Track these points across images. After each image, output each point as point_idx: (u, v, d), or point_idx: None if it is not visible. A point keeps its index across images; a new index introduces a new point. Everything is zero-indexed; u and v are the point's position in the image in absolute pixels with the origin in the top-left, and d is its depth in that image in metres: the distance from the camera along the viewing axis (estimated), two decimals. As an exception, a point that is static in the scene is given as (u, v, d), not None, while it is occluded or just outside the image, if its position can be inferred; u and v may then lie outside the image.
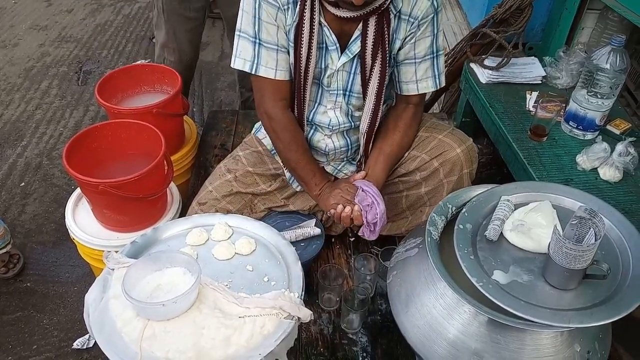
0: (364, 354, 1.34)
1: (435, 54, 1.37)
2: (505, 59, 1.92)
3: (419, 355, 1.15)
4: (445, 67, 2.29)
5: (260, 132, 1.63)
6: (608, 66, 1.51)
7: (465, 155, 1.44)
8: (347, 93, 1.40)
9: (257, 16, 1.28)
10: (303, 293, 1.19)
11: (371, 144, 1.48)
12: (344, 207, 1.37)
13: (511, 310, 0.98)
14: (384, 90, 1.37)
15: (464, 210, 1.20)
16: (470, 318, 1.08)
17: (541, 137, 1.65)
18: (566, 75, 1.88)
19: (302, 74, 1.35)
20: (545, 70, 1.94)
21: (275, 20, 1.29)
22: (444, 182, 1.46)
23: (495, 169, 2.11)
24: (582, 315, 0.98)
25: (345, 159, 1.57)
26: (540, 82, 1.92)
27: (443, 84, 1.43)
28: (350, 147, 1.51)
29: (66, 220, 1.64)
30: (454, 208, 1.24)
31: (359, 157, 1.54)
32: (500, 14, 1.92)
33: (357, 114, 1.45)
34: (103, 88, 1.86)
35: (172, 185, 1.71)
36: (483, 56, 1.99)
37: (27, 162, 2.60)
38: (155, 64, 2.07)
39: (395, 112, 1.49)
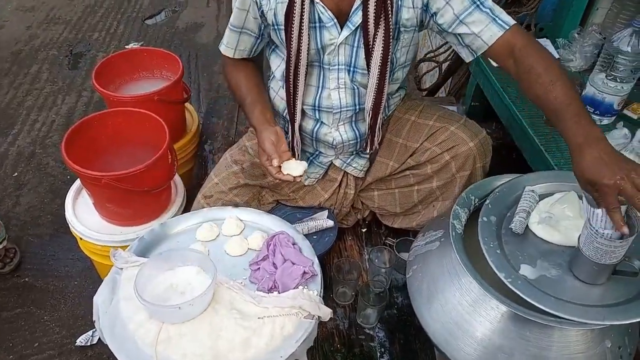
0: (382, 350, 1.30)
1: (478, 2, 1.17)
2: (517, 41, 1.86)
3: (440, 351, 1.12)
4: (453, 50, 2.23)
5: None
6: (629, 49, 1.46)
7: (478, 149, 1.38)
8: (351, 69, 1.32)
9: (234, 4, 1.30)
10: (322, 290, 1.15)
11: (379, 127, 1.40)
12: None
13: (544, 308, 0.95)
14: (388, 63, 1.28)
15: (487, 202, 1.16)
16: (498, 315, 1.04)
17: (557, 123, 1.60)
18: (580, 57, 1.82)
19: (294, 57, 1.27)
20: (558, 52, 1.88)
21: (248, 7, 1.28)
22: (456, 176, 1.42)
23: (505, 153, 2.06)
24: (616, 312, 0.95)
25: (354, 151, 1.51)
26: (552, 64, 1.86)
27: (510, 21, 1.17)
28: (359, 139, 1.45)
29: (66, 214, 1.57)
30: (476, 200, 1.20)
31: (369, 149, 1.48)
32: (512, -6, 1.86)
33: (364, 92, 1.36)
34: (100, 74, 1.78)
35: (176, 176, 1.65)
36: (493, 38, 1.93)
37: (19, 151, 2.51)
38: (154, 48, 1.98)
39: (518, 68, 1.17)
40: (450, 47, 2.30)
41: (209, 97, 2.76)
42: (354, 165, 1.52)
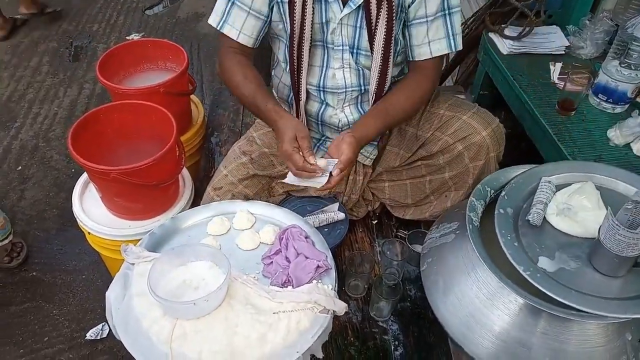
0: (396, 343, 1.30)
1: (448, 11, 1.25)
2: (528, 28, 1.82)
3: (456, 344, 1.11)
4: (462, 37, 2.20)
5: None
6: (644, 36, 1.44)
7: (492, 138, 1.36)
8: (355, 50, 1.30)
9: None
10: (336, 284, 1.14)
11: None
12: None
13: (564, 301, 0.94)
14: (391, 45, 1.26)
15: (503, 193, 1.15)
16: (516, 308, 1.03)
17: (569, 111, 1.58)
18: (591, 44, 1.79)
19: (298, 30, 1.25)
20: (568, 39, 1.86)
21: None
22: (470, 166, 1.39)
23: (515, 142, 2.04)
24: (638, 305, 0.94)
25: None
26: (563, 52, 1.83)
27: (460, 46, 1.30)
28: None
29: (74, 209, 1.55)
30: (492, 191, 1.18)
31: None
32: (522, -20, 1.82)
33: (368, 74, 1.34)
34: (104, 66, 1.75)
35: (184, 169, 1.63)
36: (502, 25, 1.90)
37: (22, 145, 2.48)
38: (157, 40, 1.95)
39: (405, 77, 1.38)
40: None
41: (213, 89, 2.73)
42: (361, 151, 1.49)
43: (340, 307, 1.08)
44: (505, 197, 1.13)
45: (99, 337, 1.67)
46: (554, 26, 1.94)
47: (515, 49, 1.84)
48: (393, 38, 1.25)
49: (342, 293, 1.38)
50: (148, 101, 1.58)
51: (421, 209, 1.52)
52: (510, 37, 1.87)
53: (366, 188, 1.56)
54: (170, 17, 3.55)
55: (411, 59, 1.33)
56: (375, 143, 1.49)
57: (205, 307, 1.03)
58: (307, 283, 1.12)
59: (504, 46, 1.86)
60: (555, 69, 1.77)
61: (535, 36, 1.87)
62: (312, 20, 1.24)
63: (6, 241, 1.85)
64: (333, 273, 1.15)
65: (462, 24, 2.19)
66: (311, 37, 1.27)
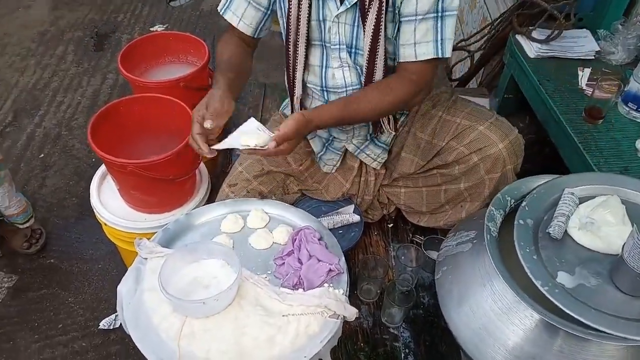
0: (407, 350, 1.28)
1: (441, 13, 1.17)
2: (557, 31, 1.77)
3: (468, 356, 1.08)
4: (488, 38, 2.15)
5: (287, 109, 1.53)
6: (680, 43, 1.38)
7: (509, 151, 1.32)
8: (352, 50, 1.28)
9: None
10: (348, 289, 1.13)
11: None
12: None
13: (582, 320, 0.91)
14: (378, 45, 1.22)
15: (524, 203, 1.11)
16: (532, 324, 1.00)
17: (597, 120, 1.53)
18: (622, 50, 1.73)
19: (294, 28, 1.24)
20: (598, 44, 1.80)
21: None
22: (485, 178, 1.36)
23: (538, 148, 1.99)
24: (661, 328, 0.90)
25: (368, 137, 1.46)
26: (593, 57, 1.78)
27: (448, 54, 1.21)
28: (369, 123, 1.40)
29: (91, 200, 1.57)
30: (512, 201, 1.15)
31: (387, 139, 1.45)
32: (553, -19, 1.77)
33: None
34: (126, 58, 1.76)
35: (201, 165, 1.63)
36: (530, 28, 1.85)
37: (45, 133, 2.52)
38: (179, 33, 1.95)
39: (389, 76, 1.30)
40: (483, 36, 2.22)
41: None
42: (367, 153, 1.47)
43: (351, 312, 1.07)
44: (526, 208, 1.10)
45: (111, 327, 1.68)
46: (584, 30, 1.88)
47: (542, 52, 1.79)
48: (381, 36, 1.21)
49: (353, 297, 1.36)
50: (168, 94, 1.58)
51: (436, 217, 1.50)
52: (538, 40, 1.81)
53: (382, 191, 1.54)
54: (195, 9, 3.56)
55: (397, 60, 1.27)
56: (384, 146, 1.47)
57: (214, 307, 1.02)
58: (318, 286, 1.11)
59: (531, 49, 1.81)
60: (584, 75, 1.71)
61: (564, 40, 1.82)
62: (308, 18, 1.23)
63: (27, 224, 1.88)
64: (345, 277, 1.14)
65: (488, 25, 2.17)
66: (308, 35, 1.26)
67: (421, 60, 1.20)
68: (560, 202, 1.10)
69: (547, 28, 1.83)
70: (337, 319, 1.05)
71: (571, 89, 1.67)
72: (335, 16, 1.22)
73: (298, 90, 1.36)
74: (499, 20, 2.07)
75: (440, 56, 1.20)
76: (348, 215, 1.44)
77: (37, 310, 1.77)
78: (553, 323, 0.94)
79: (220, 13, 1.35)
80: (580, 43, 1.82)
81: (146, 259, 1.16)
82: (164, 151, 1.38)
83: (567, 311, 0.91)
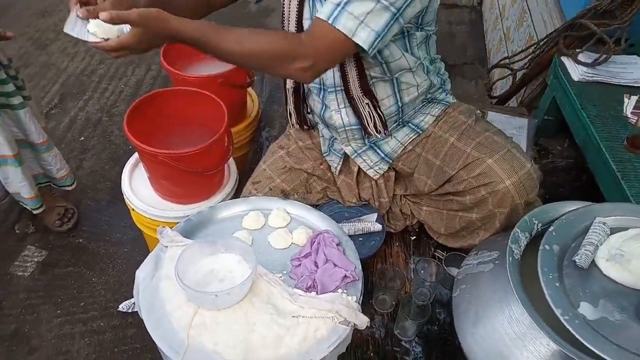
0: (417, 366, 1.25)
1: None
2: (604, 55, 1.71)
3: (479, 378, 1.05)
4: (532, 57, 2.10)
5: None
6: None
7: (517, 188, 1.26)
8: None
9: None
10: (361, 297, 1.11)
11: (369, 112, 1.32)
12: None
13: (602, 355, 0.87)
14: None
15: (551, 228, 1.07)
16: (548, 353, 0.96)
17: (639, 149, 1.47)
18: (673, 80, 1.66)
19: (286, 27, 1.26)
20: (650, 73, 1.73)
21: None
22: (496, 212, 1.31)
23: (574, 174, 1.93)
24: (686, 372, 0.85)
25: (365, 142, 1.43)
26: (641, 85, 1.71)
27: (339, 25, 1.05)
28: (361, 126, 1.37)
29: (122, 185, 1.61)
30: (539, 225, 1.11)
31: (390, 151, 1.43)
32: (606, 4, 1.71)
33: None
34: (168, 51, 1.80)
35: (231, 160, 1.65)
36: (577, 50, 1.80)
37: (87, 117, 2.61)
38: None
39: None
40: (528, 55, 2.17)
41: (272, 84, 2.76)
42: (364, 158, 1.45)
43: (362, 321, 1.06)
44: (553, 233, 1.06)
45: (129, 311, 1.71)
46: (635, 56, 1.82)
47: (588, 76, 1.73)
48: None
49: (368, 306, 1.35)
50: (205, 89, 1.61)
51: (453, 239, 1.46)
52: (584, 63, 1.76)
53: (405, 201, 1.52)
54: (243, 8, 3.62)
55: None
56: (383, 156, 1.44)
57: (226, 300, 1.03)
58: (332, 291, 1.10)
59: (576, 72, 1.75)
60: (630, 102, 1.65)
61: (612, 65, 1.76)
62: (297, 15, 1.24)
63: (72, 187, 1.95)
64: (360, 285, 1.12)
65: (534, 44, 2.12)
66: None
67: (321, 22, 1.07)
68: (590, 230, 1.06)
69: (595, 52, 1.77)
70: (347, 325, 1.04)
71: (615, 115, 1.61)
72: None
73: (320, 105, 1.38)
74: (545, 40, 2.02)
75: (329, 20, 1.05)
76: (370, 223, 1.42)
77: (62, 287, 1.83)
78: (570, 355, 0.90)
79: None
80: (630, 69, 1.76)
81: (167, 247, 1.18)
82: (196, 144, 1.40)
83: (587, 344, 0.88)
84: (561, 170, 1.92)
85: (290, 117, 1.52)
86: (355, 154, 1.45)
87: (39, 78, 2.83)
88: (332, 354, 1.02)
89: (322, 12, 1.07)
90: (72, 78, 2.88)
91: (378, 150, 1.44)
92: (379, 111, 1.32)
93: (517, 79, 2.23)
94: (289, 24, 1.28)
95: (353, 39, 1.07)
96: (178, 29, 1.03)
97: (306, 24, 1.26)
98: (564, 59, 1.83)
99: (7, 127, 1.60)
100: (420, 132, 1.41)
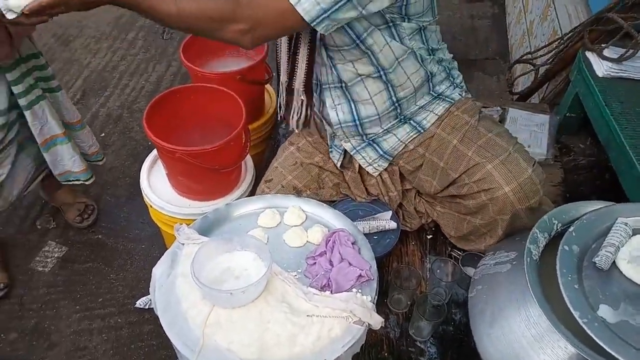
0: (432, 366, 1.24)
1: None
2: (631, 50, 1.66)
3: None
4: (556, 52, 2.06)
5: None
6: None
7: (516, 194, 1.22)
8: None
9: None
10: (376, 296, 1.11)
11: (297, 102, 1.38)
12: None
13: (620, 358, 0.84)
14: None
15: (571, 229, 1.05)
16: (565, 356, 0.94)
17: (665, 148, 1.43)
18: (703, 76, 1.61)
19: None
20: (675, 69, 1.67)
21: None
22: (497, 218, 1.29)
23: (596, 172, 1.89)
24: None
25: (364, 139, 1.41)
26: (668, 81, 1.66)
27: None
28: (357, 123, 1.36)
29: (141, 181, 1.63)
30: (559, 225, 1.09)
31: (390, 149, 1.41)
32: (633, -3, 1.66)
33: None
34: (188, 48, 1.81)
35: (248, 157, 1.66)
36: (603, 45, 1.75)
37: (108, 113, 2.64)
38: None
39: None
40: (551, 50, 2.12)
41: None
42: (362, 154, 1.43)
43: (376, 321, 1.05)
44: (573, 233, 1.04)
45: (146, 307, 1.74)
46: (661, 52, 1.76)
47: (613, 72, 1.69)
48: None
49: (383, 305, 1.34)
50: (224, 86, 1.61)
51: (464, 241, 1.45)
52: (610, 58, 1.71)
53: (419, 200, 1.50)
54: (261, 4, 3.62)
55: None
56: (382, 153, 1.42)
57: (241, 299, 1.03)
58: (346, 290, 1.09)
59: (601, 68, 1.71)
60: (656, 99, 1.60)
61: (639, 60, 1.71)
62: None
63: (101, 162, 1.97)
64: (374, 285, 1.12)
65: (558, 39, 2.07)
66: None
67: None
68: (611, 231, 1.04)
69: (621, 47, 1.72)
70: (362, 325, 1.04)
71: (640, 113, 1.56)
72: None
73: (318, 102, 1.38)
74: (569, 34, 1.97)
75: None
76: (385, 221, 1.41)
77: (81, 282, 1.86)
78: (588, 358, 0.88)
79: None
80: (657, 65, 1.71)
81: (183, 244, 1.19)
82: (214, 141, 1.41)
83: (606, 347, 0.86)
84: (583, 169, 1.88)
85: (292, 118, 1.52)
86: (355, 151, 1.44)
87: (62, 74, 2.88)
88: (347, 354, 1.02)
89: None
90: (94, 74, 2.92)
91: (377, 148, 1.42)
92: (307, 111, 1.38)
93: (539, 75, 2.18)
94: None
95: (296, 8, 1.03)
96: None
97: None
98: (588, 54, 1.78)
99: (52, 108, 1.66)
100: (422, 130, 1.38)
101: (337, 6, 1.04)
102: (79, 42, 3.18)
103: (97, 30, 3.30)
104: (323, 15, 1.04)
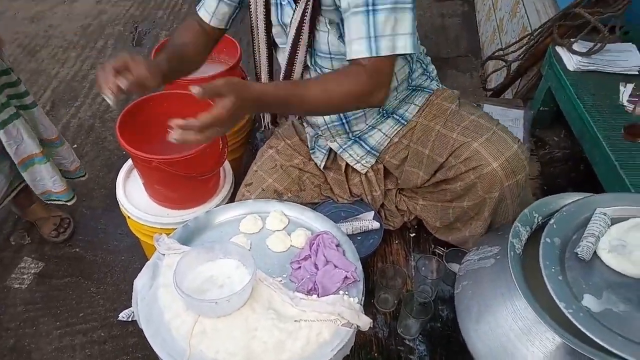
0: (421, 364, 1.24)
1: (372, 7, 1.06)
2: (599, 44, 1.70)
3: (485, 375, 1.04)
4: (526, 48, 2.09)
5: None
6: None
7: (504, 169, 1.24)
8: (313, 50, 1.26)
9: None
10: (363, 297, 1.10)
11: None
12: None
13: (607, 347, 0.86)
14: (299, 42, 1.22)
15: (552, 221, 1.06)
16: (553, 347, 0.95)
17: (636, 138, 1.46)
18: (669, 66, 1.66)
19: (256, 30, 1.29)
20: (643, 59, 1.72)
21: None
22: (486, 197, 1.30)
23: (571, 164, 1.93)
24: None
25: (350, 137, 1.42)
26: (637, 72, 1.70)
27: (381, 52, 1.07)
28: (344, 122, 1.37)
29: (117, 192, 1.59)
30: (540, 218, 1.10)
31: (376, 144, 1.42)
32: (599, -8, 1.70)
33: None
34: (160, 54, 1.78)
35: (226, 163, 1.63)
36: (572, 39, 1.78)
37: (80, 124, 2.59)
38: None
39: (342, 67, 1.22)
40: (522, 46, 2.16)
41: (265, 83, 2.75)
42: (350, 152, 1.43)
43: (365, 322, 1.05)
44: (554, 226, 1.05)
45: (129, 320, 1.70)
46: (630, 44, 1.81)
47: (583, 65, 1.72)
48: (303, 34, 1.20)
49: (370, 305, 1.34)
50: (197, 92, 1.59)
51: (448, 233, 1.46)
52: (579, 52, 1.75)
53: (400, 198, 1.51)
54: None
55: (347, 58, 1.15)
56: (369, 149, 1.43)
57: (226, 307, 1.02)
58: (333, 293, 1.09)
59: (571, 62, 1.75)
60: (626, 91, 1.64)
61: (607, 53, 1.75)
62: (265, 22, 1.26)
63: (84, 178, 1.96)
64: (361, 286, 1.11)
65: (527, 35, 2.10)
66: (272, 40, 1.31)
67: (367, 60, 1.09)
68: (590, 222, 1.05)
69: (589, 41, 1.76)
70: (350, 327, 1.03)
71: (611, 104, 1.60)
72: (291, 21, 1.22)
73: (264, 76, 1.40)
74: (539, 30, 2.01)
75: (373, 54, 1.07)
76: (367, 221, 1.41)
77: (60, 298, 1.81)
78: (575, 348, 0.89)
79: (197, 10, 1.36)
80: (624, 57, 1.75)
81: (164, 255, 1.17)
82: (190, 148, 1.38)
83: (592, 336, 0.87)
84: (558, 161, 1.92)
85: (263, 119, 1.56)
86: (341, 149, 1.44)
87: (29, 85, 2.81)
88: (336, 357, 1.01)
89: (360, 51, 1.08)
90: (63, 84, 2.85)
91: (364, 144, 1.43)
92: None
93: (511, 71, 2.22)
94: (257, 29, 1.30)
95: (396, 53, 1.09)
96: (262, 91, 1.06)
97: (275, 30, 1.29)
98: (558, 48, 1.82)
99: (28, 126, 1.61)
100: (405, 122, 1.39)
101: (414, 23, 1.11)
102: (45, 52, 3.11)
103: (64, 39, 3.23)
104: (413, 38, 1.10)
